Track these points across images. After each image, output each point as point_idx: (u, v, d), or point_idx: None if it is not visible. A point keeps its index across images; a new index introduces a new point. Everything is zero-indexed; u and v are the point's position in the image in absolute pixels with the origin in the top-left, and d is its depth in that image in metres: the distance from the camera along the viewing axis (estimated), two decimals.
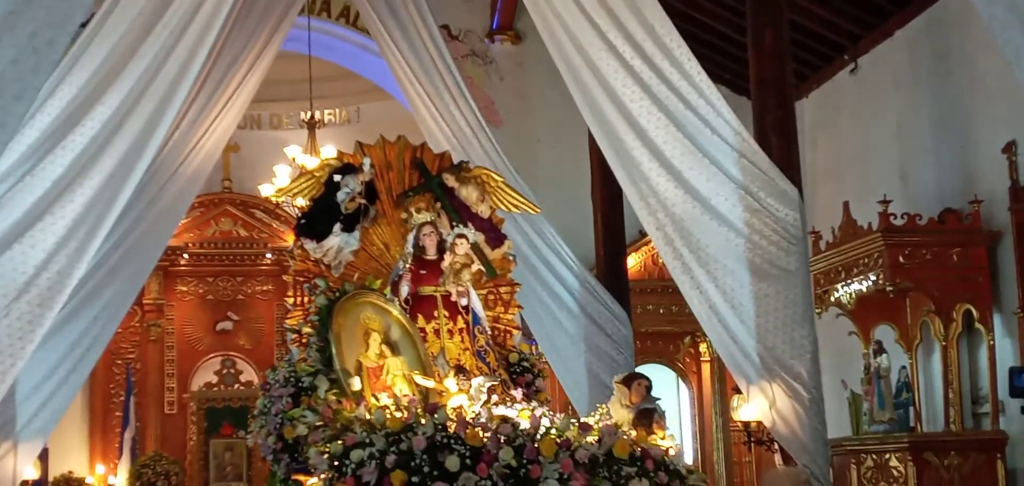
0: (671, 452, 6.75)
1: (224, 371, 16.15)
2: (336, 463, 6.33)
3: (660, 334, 13.06)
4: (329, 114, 15.77)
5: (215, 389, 16.08)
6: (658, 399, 7.51)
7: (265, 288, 16.07)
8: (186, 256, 15.70)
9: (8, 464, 7.97)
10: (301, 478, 6.97)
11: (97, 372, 13.14)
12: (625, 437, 6.64)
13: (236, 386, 16.12)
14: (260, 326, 16.09)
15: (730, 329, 7.88)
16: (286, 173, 13.53)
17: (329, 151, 12.91)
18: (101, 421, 15.47)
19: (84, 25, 7.00)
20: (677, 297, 8.50)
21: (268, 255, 15.92)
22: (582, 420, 6.76)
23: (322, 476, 6.40)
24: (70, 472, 14.73)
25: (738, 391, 11.66)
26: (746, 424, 12.24)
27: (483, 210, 8.13)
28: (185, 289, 16.00)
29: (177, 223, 10.77)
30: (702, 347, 13.45)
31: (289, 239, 15.72)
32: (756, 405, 8.10)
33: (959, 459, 9.75)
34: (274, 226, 15.96)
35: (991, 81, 9.80)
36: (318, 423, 6.79)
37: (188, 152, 9.33)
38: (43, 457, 13.23)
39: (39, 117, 6.93)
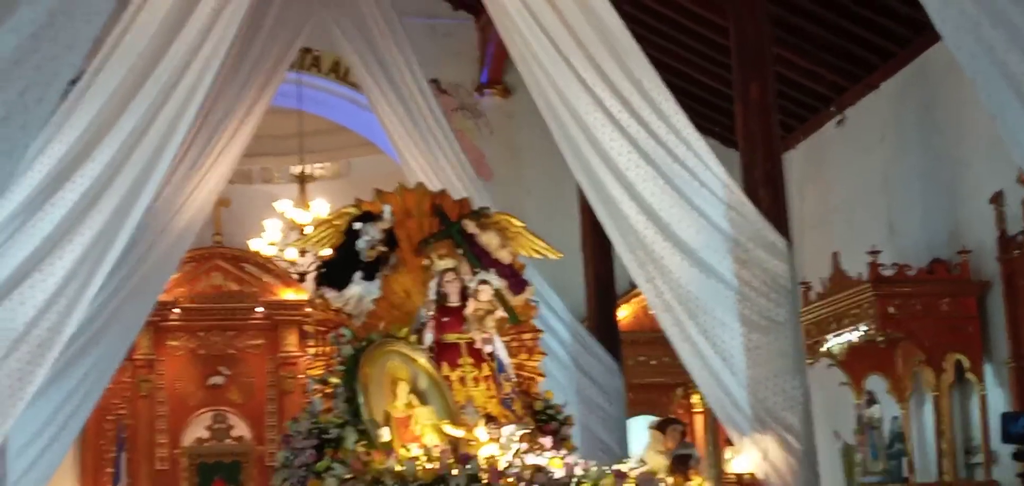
0: None
1: (216, 426, 16.04)
2: None
3: (652, 386, 13.07)
4: (319, 168, 15.79)
5: (207, 444, 15.97)
6: (692, 445, 7.48)
7: (256, 342, 16.01)
8: (177, 311, 15.63)
9: None
10: None
11: (88, 428, 13.06)
12: (662, 484, 6.56)
13: (227, 441, 16.01)
14: (251, 381, 16.02)
15: (721, 381, 7.85)
16: (277, 227, 13.54)
17: (320, 205, 12.97)
18: (92, 478, 15.34)
19: (74, 82, 7.02)
20: (668, 348, 8.46)
21: (259, 309, 15.88)
22: (616, 467, 6.66)
23: None
24: None
25: (730, 443, 11.65)
26: (739, 476, 12.22)
27: (504, 256, 8.09)
28: (176, 344, 15.92)
29: (168, 278, 10.76)
30: (694, 398, 13.46)
31: (281, 293, 15.73)
32: (749, 457, 8.08)
33: None
34: (265, 280, 15.93)
35: (977, 132, 9.85)
36: (347, 476, 6.72)
37: (179, 206, 9.35)
38: None
39: (29, 174, 6.92)
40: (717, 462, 13.48)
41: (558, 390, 9.66)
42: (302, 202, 13.40)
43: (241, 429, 16.03)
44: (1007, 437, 7.40)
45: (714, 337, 7.84)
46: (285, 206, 13.55)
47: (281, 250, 13.59)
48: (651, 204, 7.83)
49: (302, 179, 13.71)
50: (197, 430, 16.00)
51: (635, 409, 11.46)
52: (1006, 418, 7.38)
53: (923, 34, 10.11)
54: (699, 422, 13.74)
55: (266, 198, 15.02)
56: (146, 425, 15.63)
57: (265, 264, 15.52)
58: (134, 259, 8.87)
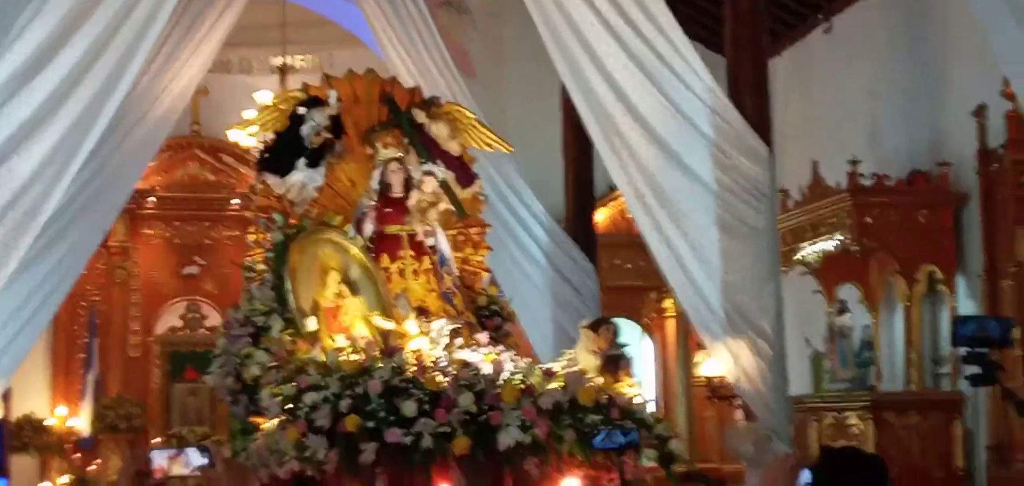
0: (637, 400, 6.71)
1: (189, 316, 16.03)
2: (289, 406, 6.19)
3: (626, 289, 13.12)
4: (301, 60, 15.58)
5: (180, 333, 15.97)
6: (626, 345, 7.48)
7: (233, 233, 15.90)
8: (153, 199, 15.55)
9: None
10: (259, 420, 6.83)
11: (61, 314, 12.99)
12: (591, 384, 6.58)
13: (201, 331, 16.00)
14: (226, 271, 15.92)
15: (697, 285, 7.91)
16: (245, 120, 13.40)
17: None
18: (64, 363, 15.34)
19: None
20: (643, 253, 8.51)
21: (236, 200, 15.79)
22: (546, 366, 6.67)
23: (275, 419, 6.27)
24: (31, 413, 14.64)
25: (702, 347, 11.74)
26: (709, 379, 12.33)
27: (454, 148, 7.95)
28: (151, 232, 15.85)
29: (145, 166, 10.68)
30: (666, 303, 13.53)
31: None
32: (720, 361, 8.16)
33: (917, 418, 9.89)
34: (242, 171, 15.80)
35: (963, 45, 9.84)
36: (271, 364, 6.66)
37: (157, 94, 9.27)
38: (6, 397, 13.10)
39: (8, 57, 6.83)
40: (687, 365, 13.60)
41: (533, 289, 9.74)
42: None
43: (215, 319, 15.95)
44: (957, 340, 7.41)
45: (692, 240, 7.90)
46: (265, 97, 13.41)
47: (260, 141, 13.48)
48: (636, 105, 7.82)
49: (283, 70, 13.56)
50: (171, 319, 15.99)
51: (609, 311, 11.44)
52: (957, 321, 7.40)
53: None
54: (671, 326, 13.83)
55: (246, 89, 14.87)
56: (119, 312, 15.61)
57: (243, 155, 15.40)
58: (111, 146, 8.78)
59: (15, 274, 7.28)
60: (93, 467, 14.63)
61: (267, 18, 13.00)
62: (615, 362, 7.19)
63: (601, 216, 12.63)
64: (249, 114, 13.61)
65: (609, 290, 11.24)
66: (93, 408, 14.67)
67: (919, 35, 10.65)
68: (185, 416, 15.68)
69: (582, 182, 10.87)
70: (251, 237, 7.77)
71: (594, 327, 7.47)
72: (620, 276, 12.80)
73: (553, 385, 6.41)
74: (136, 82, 8.38)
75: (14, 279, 7.39)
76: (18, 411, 14.39)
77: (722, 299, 7.82)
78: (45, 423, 14.80)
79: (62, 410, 15.02)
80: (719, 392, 12.01)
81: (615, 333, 7.42)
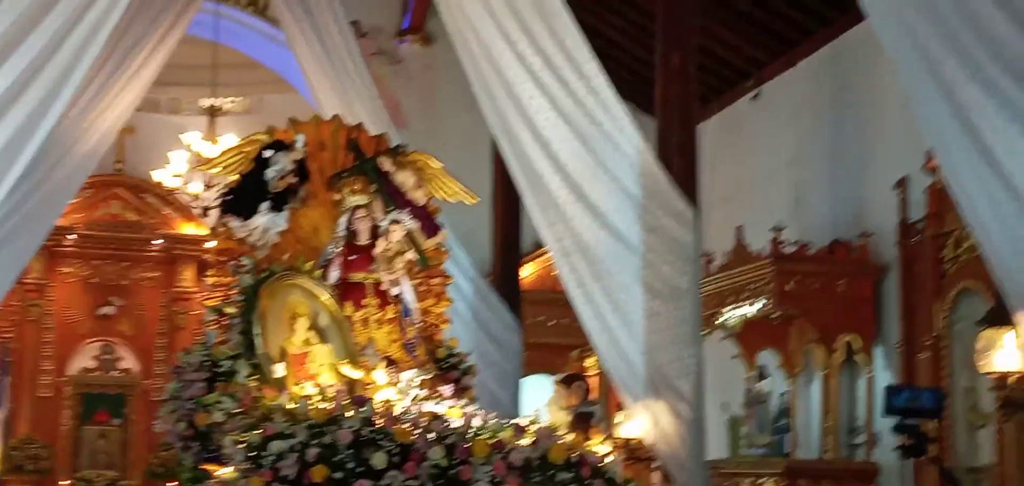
0: (607, 459, 6.61)
1: (103, 357, 15.79)
2: (253, 454, 6.02)
3: (549, 346, 13.12)
4: (230, 102, 15.50)
5: (93, 374, 15.70)
6: (596, 403, 7.42)
7: (152, 275, 15.75)
8: (72, 236, 15.30)
9: None
10: (211, 468, 6.65)
11: None
12: (561, 441, 6.51)
13: (114, 373, 15.77)
14: (143, 313, 15.78)
15: (619, 345, 7.93)
16: (182, 159, 13.29)
17: (229, 140, 12.75)
18: None
19: None
20: (567, 310, 8.52)
21: (157, 241, 15.62)
22: (515, 421, 6.56)
23: (237, 467, 6.10)
24: None
25: (621, 407, 11.77)
26: (627, 440, 12.33)
27: (419, 196, 7.87)
28: (69, 270, 15.60)
29: (67, 202, 10.47)
30: (589, 361, 13.54)
31: (181, 227, 15.46)
32: (639, 422, 8.17)
33: None
34: (165, 212, 15.66)
35: (889, 116, 10.01)
36: (236, 410, 6.54)
37: (83, 130, 9.09)
38: None
39: None
40: (607, 426, 13.61)
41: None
42: (211, 135, 13.17)
43: (129, 361, 15.81)
44: (889, 409, 7.52)
45: (616, 300, 7.92)
46: (193, 138, 13.31)
47: (185, 183, 13.36)
48: (565, 164, 7.87)
49: (212, 112, 13.47)
50: (84, 359, 15.74)
51: (531, 368, 11.51)
52: (890, 391, 7.50)
53: (846, 14, 10.21)
54: (593, 385, 13.84)
55: (173, 129, 14.74)
56: (32, 350, 15.33)
57: (166, 196, 15.27)
58: (35, 181, 8.58)
59: None
60: None
61: (198, 58, 12.90)
62: (586, 419, 7.12)
63: (527, 271, 12.66)
64: (176, 155, 13.55)
65: (531, 347, 11.25)
66: (1, 448, 14.32)
67: (846, 104, 10.80)
68: (94, 459, 15.42)
69: (509, 237, 10.90)
70: (210, 279, 7.65)
71: (567, 382, 7.39)
72: (543, 333, 12.82)
73: (524, 441, 6.34)
74: (63, 116, 8.27)
75: None
76: None
77: (644, 360, 7.84)
78: None
79: None
80: (637, 454, 12.01)
81: (586, 390, 7.36)
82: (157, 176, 14.46)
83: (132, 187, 15.71)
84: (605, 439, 6.96)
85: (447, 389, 7.16)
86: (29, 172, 7.86)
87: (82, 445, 15.43)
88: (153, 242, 15.63)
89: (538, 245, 11.95)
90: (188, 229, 15.47)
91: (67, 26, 7.23)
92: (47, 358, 15.44)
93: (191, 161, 13.23)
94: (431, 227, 7.93)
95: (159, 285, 15.73)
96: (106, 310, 15.67)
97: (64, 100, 7.41)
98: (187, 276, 15.63)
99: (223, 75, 13.09)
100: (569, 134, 7.83)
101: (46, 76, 7.18)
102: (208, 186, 12.90)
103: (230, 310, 7.19)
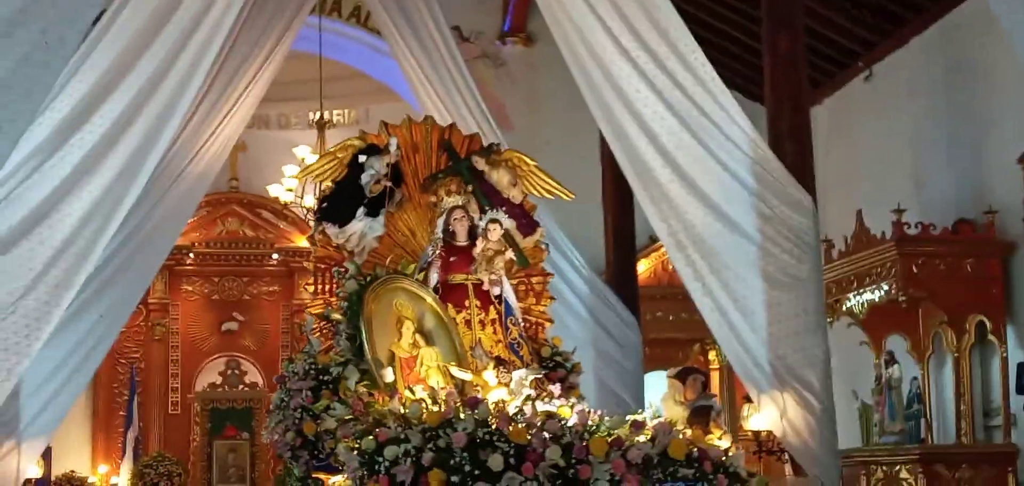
0: (730, 453, 6.40)
1: (228, 372, 16.07)
2: (367, 460, 5.96)
3: (669, 341, 12.96)
4: (338, 114, 15.70)
5: (219, 390, 16.00)
6: (714, 396, 7.28)
7: (271, 289, 16.00)
8: (192, 255, 15.62)
9: (11, 462, 7.94)
10: (322, 476, 6.69)
11: (101, 371, 13.07)
12: (681, 436, 6.33)
13: (240, 387, 16.03)
14: (266, 327, 16.02)
15: (741, 337, 7.80)
16: (294, 173, 13.45)
17: None
18: (104, 421, 15.40)
19: (96, 22, 6.94)
20: (687, 304, 8.40)
21: (274, 256, 15.85)
22: (632, 417, 6.41)
23: (351, 474, 6.05)
24: (72, 472, 14.65)
25: (748, 399, 11.59)
26: (756, 433, 12.15)
27: (515, 195, 7.76)
28: (190, 289, 15.93)
29: (184, 222, 10.71)
30: (711, 355, 13.40)
31: (297, 240, 15.67)
32: (767, 414, 8.03)
33: (970, 472, 9.69)
34: (281, 227, 15.90)
35: (1006, 91, 9.75)
36: (348, 416, 6.49)
37: (197, 151, 9.30)
38: (46, 456, 13.16)
39: (49, 114, 6.88)
40: (734, 419, 13.42)
41: (574, 343, 9.60)
42: (321, 148, 13.30)
43: (254, 375, 16.04)
44: (1022, 388, 7.28)
45: (735, 292, 7.80)
46: (303, 152, 13.48)
47: (298, 196, 13.52)
48: (675, 156, 7.75)
49: (320, 125, 13.62)
50: (210, 376, 16.03)
51: (651, 364, 11.39)
52: (1022, 369, 7.25)
53: None
54: (715, 379, 13.67)
55: (284, 144, 14.98)
56: (159, 369, 15.67)
57: (281, 210, 15.50)
58: (151, 202, 8.82)
59: (56, 331, 7.29)
60: None
61: (304, 74, 13.07)
62: (704, 413, 6.96)
63: (642, 267, 12.54)
64: (289, 169, 13.73)
65: (651, 343, 11.15)
66: (133, 466, 14.66)
67: (961, 81, 10.55)
68: (225, 473, 15.67)
69: (623, 233, 10.80)
70: (310, 288, 7.64)
71: (681, 377, 7.26)
72: (663, 328, 12.69)
73: (642, 438, 6.21)
74: (176, 138, 8.45)
75: (55, 336, 7.40)
76: (58, 470, 14.43)
77: (767, 351, 7.72)
78: (87, 482, 14.80)
79: (103, 468, 15.04)
80: (767, 446, 11.83)
81: (704, 383, 7.24)
82: (271, 191, 14.69)
83: (247, 204, 15.98)
84: (724, 434, 6.73)
85: (555, 388, 6.98)
86: (146, 194, 8.10)
87: (213, 460, 15.71)
88: (271, 256, 15.85)
89: (653, 239, 11.82)
90: (304, 242, 15.66)
91: (176, 49, 7.40)
92: (174, 375, 15.76)
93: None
94: (528, 225, 7.81)
95: (279, 298, 15.97)
96: (229, 326, 15.94)
97: (176, 121, 7.59)
98: (306, 288, 15.82)
99: (330, 88, 13.24)
100: (677, 126, 7.70)
101: (157, 101, 7.35)
102: (302, 188, 13.05)
103: (335, 317, 7.15)
